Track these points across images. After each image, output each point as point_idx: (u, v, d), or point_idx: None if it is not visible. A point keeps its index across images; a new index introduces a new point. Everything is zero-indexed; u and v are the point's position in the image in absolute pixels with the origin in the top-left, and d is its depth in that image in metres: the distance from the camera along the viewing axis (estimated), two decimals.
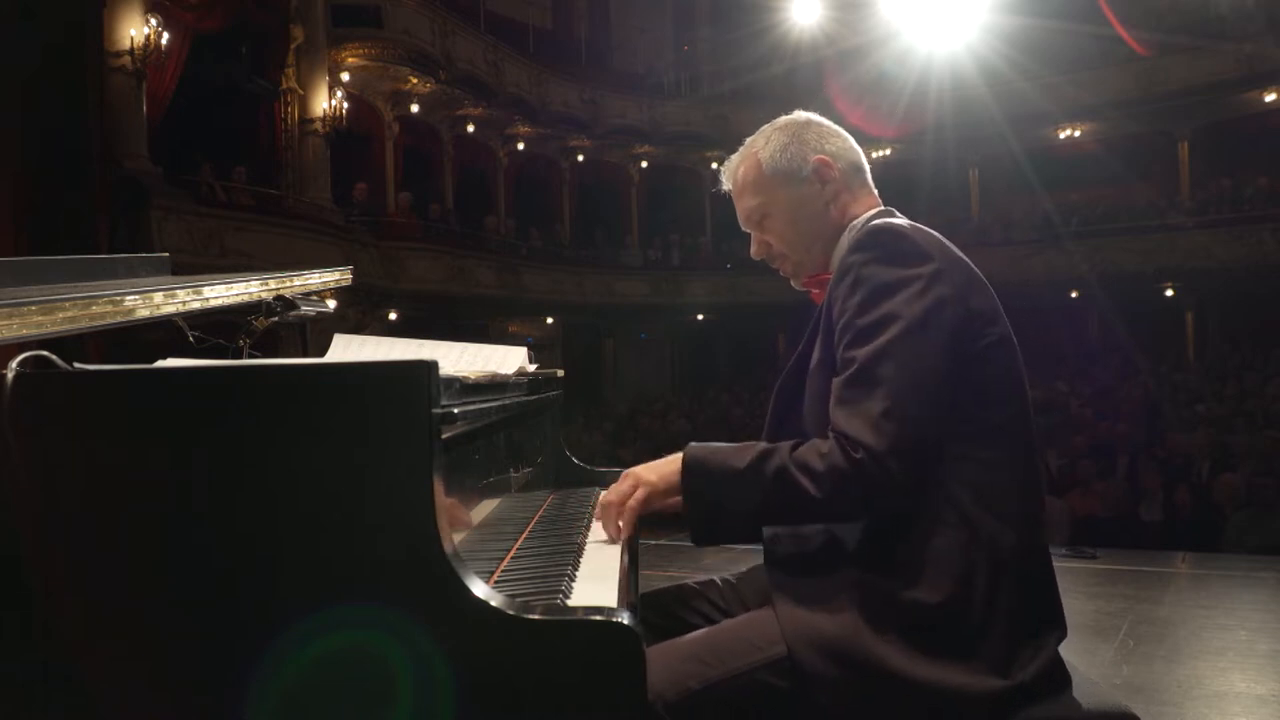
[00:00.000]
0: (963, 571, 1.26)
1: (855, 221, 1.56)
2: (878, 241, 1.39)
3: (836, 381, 1.34)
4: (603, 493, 1.60)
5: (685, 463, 1.41)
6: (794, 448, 1.33)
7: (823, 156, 1.57)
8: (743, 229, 1.66)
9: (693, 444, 1.45)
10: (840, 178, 1.57)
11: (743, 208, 1.63)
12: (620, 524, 1.49)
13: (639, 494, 1.46)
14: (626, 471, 1.56)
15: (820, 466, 1.28)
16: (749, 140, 1.65)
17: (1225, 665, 3.44)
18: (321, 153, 12.42)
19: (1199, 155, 16.48)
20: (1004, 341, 1.37)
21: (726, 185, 1.67)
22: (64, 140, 7.97)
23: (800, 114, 1.65)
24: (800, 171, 1.57)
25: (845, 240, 1.54)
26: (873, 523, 1.31)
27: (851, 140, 1.64)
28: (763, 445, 1.37)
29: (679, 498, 1.44)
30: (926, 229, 1.43)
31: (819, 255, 1.59)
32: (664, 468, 1.46)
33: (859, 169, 1.61)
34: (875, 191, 1.63)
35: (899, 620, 1.24)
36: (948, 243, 1.42)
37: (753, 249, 1.66)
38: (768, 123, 1.66)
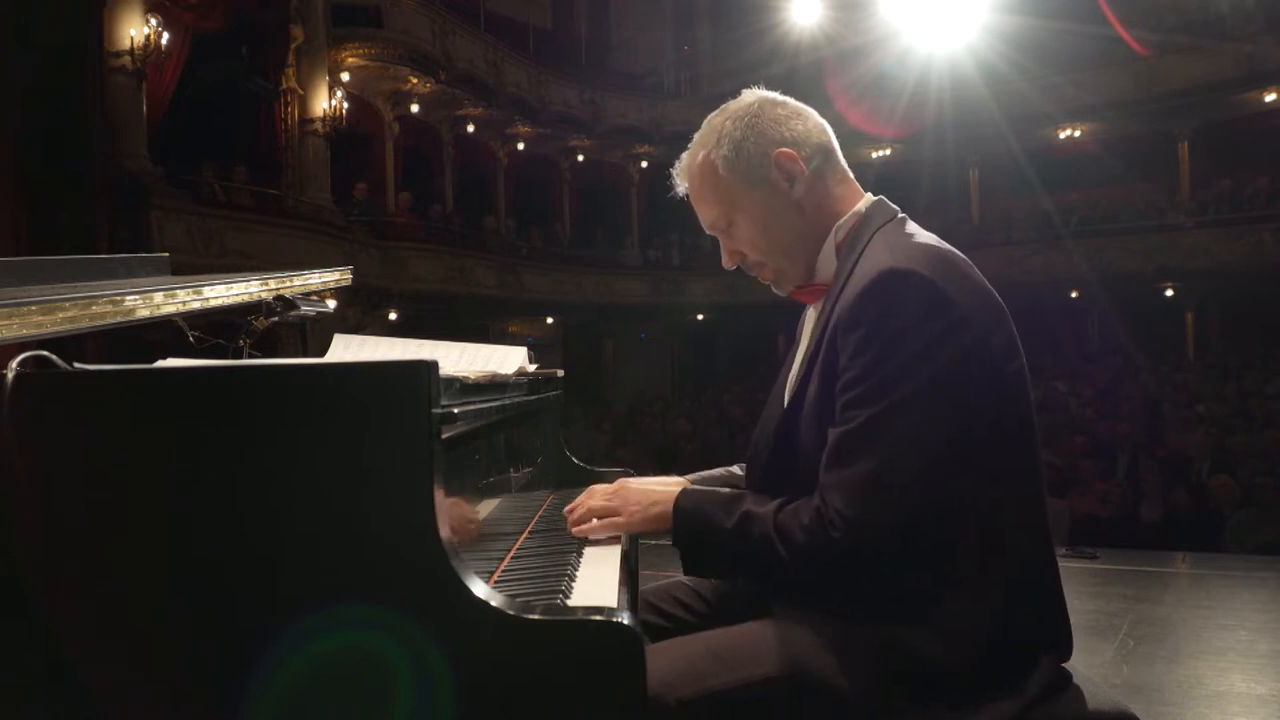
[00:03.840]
0: (977, 626, 1.22)
1: (840, 222, 1.40)
2: (894, 295, 1.22)
3: (833, 434, 1.25)
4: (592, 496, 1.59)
5: (675, 515, 1.40)
6: (779, 509, 1.29)
7: (784, 150, 1.38)
8: (709, 234, 1.48)
9: (684, 490, 1.43)
10: (807, 169, 1.38)
11: (704, 216, 1.46)
12: (584, 529, 1.51)
13: (615, 522, 1.46)
14: (617, 488, 1.53)
15: (801, 539, 1.25)
16: (698, 136, 1.44)
17: (1225, 665, 3.45)
18: (321, 153, 12.41)
19: (1199, 155, 16.46)
20: (1018, 375, 1.29)
21: (681, 189, 1.49)
22: (64, 140, 7.96)
23: (750, 95, 1.45)
24: (762, 169, 1.38)
25: (830, 245, 1.40)
26: (885, 572, 1.25)
27: (815, 116, 1.44)
28: (748, 504, 1.33)
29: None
30: (947, 255, 1.29)
31: (799, 259, 1.42)
32: (651, 509, 1.44)
33: (827, 151, 1.41)
34: (850, 173, 1.45)
35: (910, 671, 1.22)
36: (965, 268, 1.29)
37: (724, 259, 1.47)
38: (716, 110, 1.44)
